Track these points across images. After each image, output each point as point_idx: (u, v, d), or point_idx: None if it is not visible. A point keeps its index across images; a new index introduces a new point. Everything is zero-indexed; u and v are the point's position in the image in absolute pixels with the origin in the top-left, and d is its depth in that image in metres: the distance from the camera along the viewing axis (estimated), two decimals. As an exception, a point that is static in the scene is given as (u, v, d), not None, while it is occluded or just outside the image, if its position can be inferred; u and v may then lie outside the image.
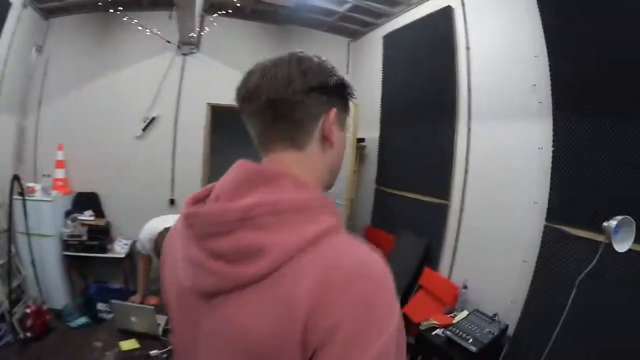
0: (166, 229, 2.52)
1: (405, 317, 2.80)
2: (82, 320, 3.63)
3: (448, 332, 2.47)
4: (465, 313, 2.72)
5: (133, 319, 2.30)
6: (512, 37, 2.77)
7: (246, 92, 0.66)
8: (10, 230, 3.44)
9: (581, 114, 2.22)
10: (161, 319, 2.45)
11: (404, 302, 3.15)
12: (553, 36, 2.39)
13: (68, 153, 4.01)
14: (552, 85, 2.40)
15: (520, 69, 2.68)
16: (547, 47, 2.43)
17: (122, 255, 3.90)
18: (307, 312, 0.52)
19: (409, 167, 3.83)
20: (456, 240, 3.21)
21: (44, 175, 3.87)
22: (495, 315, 2.53)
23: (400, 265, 3.30)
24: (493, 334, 2.38)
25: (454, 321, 2.64)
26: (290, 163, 0.66)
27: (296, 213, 0.59)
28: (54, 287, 3.74)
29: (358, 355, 0.51)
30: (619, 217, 1.73)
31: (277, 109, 0.64)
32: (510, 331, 2.54)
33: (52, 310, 3.57)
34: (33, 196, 3.57)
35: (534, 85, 2.54)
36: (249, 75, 0.67)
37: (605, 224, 1.75)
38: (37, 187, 3.65)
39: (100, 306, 3.56)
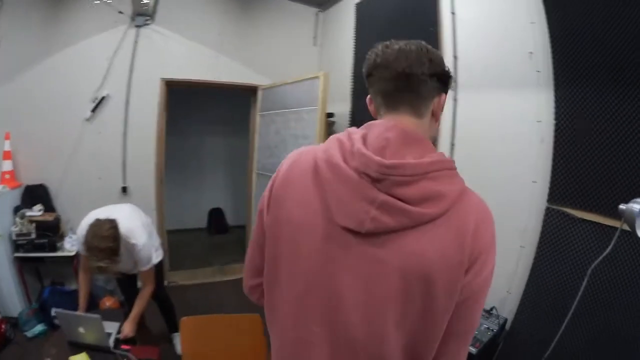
0: (98, 220, 2.19)
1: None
2: (39, 328, 3.29)
3: (443, 333, 2.22)
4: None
5: (80, 329, 1.99)
6: (504, 2, 2.49)
7: (383, 60, 0.84)
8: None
9: (587, 83, 1.96)
10: (111, 327, 2.14)
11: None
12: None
13: (15, 143, 3.57)
14: (553, 52, 2.14)
15: (514, 36, 2.41)
16: (546, 12, 2.17)
17: (72, 253, 3.47)
18: (471, 239, 0.76)
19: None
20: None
21: (-12, 169, 3.44)
22: (492, 308, 2.29)
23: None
24: (493, 330, 2.15)
25: (447, 318, 2.40)
26: (414, 126, 0.84)
27: (448, 170, 0.79)
28: (8, 294, 3.35)
29: (486, 269, 0.79)
30: (642, 199, 1.46)
31: (408, 80, 0.82)
32: (507, 324, 2.33)
33: (7, 319, 3.20)
34: (-23, 192, 3.17)
35: (531, 53, 2.28)
36: (386, 47, 0.85)
37: (622, 206, 1.45)
38: (-18, 182, 3.24)
39: (54, 311, 3.21)
